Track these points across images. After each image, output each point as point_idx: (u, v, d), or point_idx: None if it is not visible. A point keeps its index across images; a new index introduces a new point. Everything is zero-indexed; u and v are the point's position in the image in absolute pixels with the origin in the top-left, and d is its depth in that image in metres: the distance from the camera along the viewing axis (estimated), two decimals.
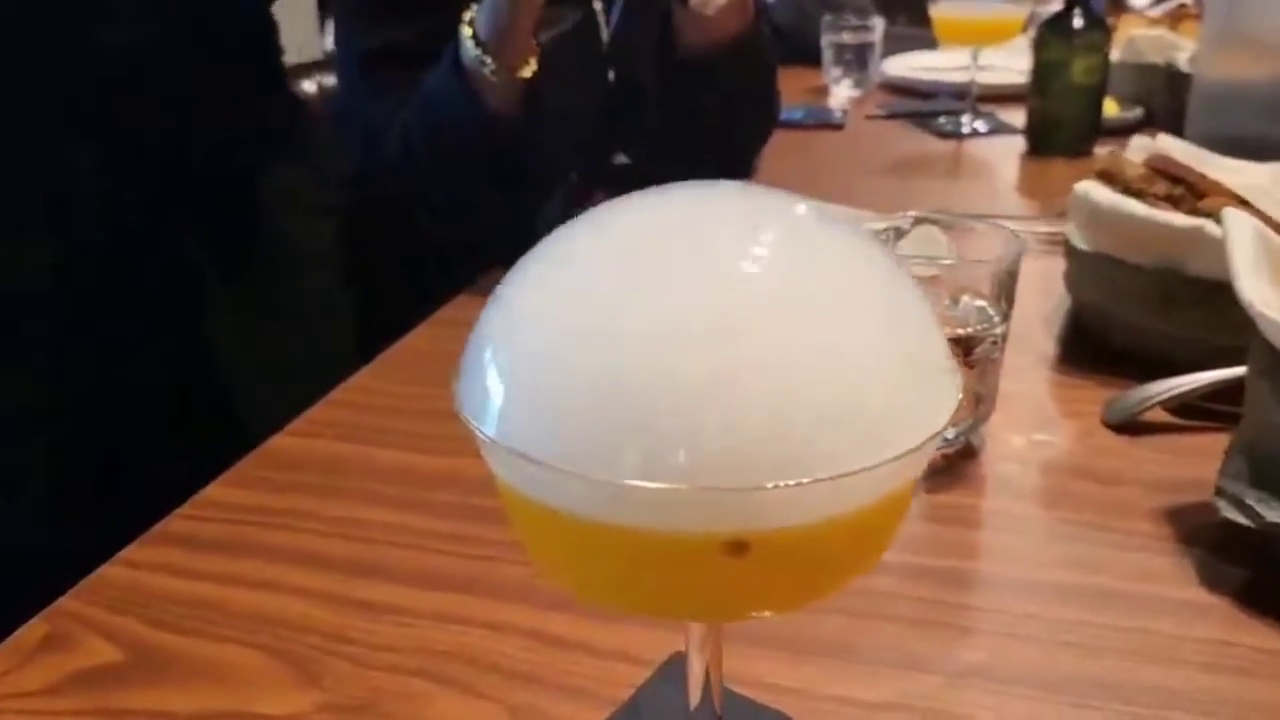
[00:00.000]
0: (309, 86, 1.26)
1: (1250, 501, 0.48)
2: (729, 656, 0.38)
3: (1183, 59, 1.28)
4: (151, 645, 0.46)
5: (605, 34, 1.04)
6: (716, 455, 0.25)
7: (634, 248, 0.28)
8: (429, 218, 0.94)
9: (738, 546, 0.26)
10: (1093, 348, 0.71)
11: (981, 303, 0.59)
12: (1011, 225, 0.94)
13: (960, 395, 0.28)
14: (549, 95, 0.88)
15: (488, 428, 0.27)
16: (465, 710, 0.42)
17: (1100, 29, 1.25)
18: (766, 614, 0.36)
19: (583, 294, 0.27)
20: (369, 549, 0.52)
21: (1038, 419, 0.64)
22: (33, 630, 0.47)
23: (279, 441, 0.62)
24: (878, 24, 1.55)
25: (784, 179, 1.13)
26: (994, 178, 1.22)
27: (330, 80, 1.23)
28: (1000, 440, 0.61)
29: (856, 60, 1.54)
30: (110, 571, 0.51)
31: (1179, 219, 0.66)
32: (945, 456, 0.58)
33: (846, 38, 1.53)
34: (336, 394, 0.68)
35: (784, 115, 1.28)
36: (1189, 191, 0.71)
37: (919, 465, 0.27)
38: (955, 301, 0.61)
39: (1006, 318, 0.58)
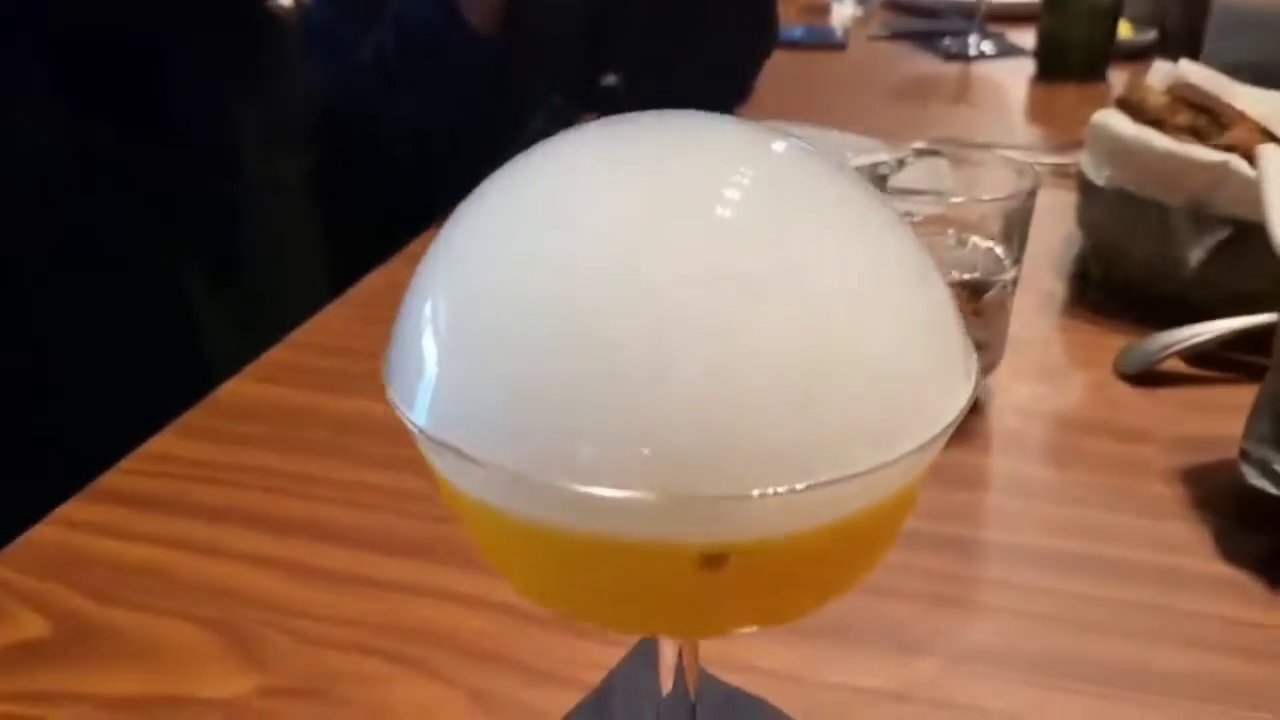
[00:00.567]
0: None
1: (1278, 467, 0.44)
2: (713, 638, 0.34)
3: None
4: (83, 618, 0.43)
5: None
6: (689, 456, 0.20)
7: (602, 200, 0.23)
8: (404, 143, 0.89)
9: (714, 559, 0.22)
10: (1105, 290, 0.67)
11: (990, 244, 0.55)
12: (1020, 156, 0.89)
13: (976, 379, 0.24)
14: (530, 12, 0.83)
15: (418, 415, 0.23)
16: (422, 695, 0.39)
17: None
18: (749, 630, 0.32)
19: (535, 257, 0.22)
20: (325, 509, 0.49)
21: (1047, 369, 0.60)
22: None
23: (232, 388, 0.58)
24: None
25: (782, 102, 1.08)
26: (1002, 103, 1.17)
27: None
28: (1007, 392, 0.57)
29: None
30: (42, 533, 0.47)
31: (1204, 153, 0.61)
32: None
33: None
34: (296, 335, 0.63)
35: (783, 34, 1.22)
36: (1213, 123, 0.66)
37: (927, 461, 0.23)
38: (961, 242, 0.56)
39: (1017, 261, 0.54)
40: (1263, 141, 0.62)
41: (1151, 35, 1.27)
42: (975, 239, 0.55)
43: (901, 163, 0.61)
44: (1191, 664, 0.40)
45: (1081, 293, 0.68)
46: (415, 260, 0.73)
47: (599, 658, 0.40)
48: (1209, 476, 0.49)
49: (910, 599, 0.43)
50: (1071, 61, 1.20)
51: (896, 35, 1.40)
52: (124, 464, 0.52)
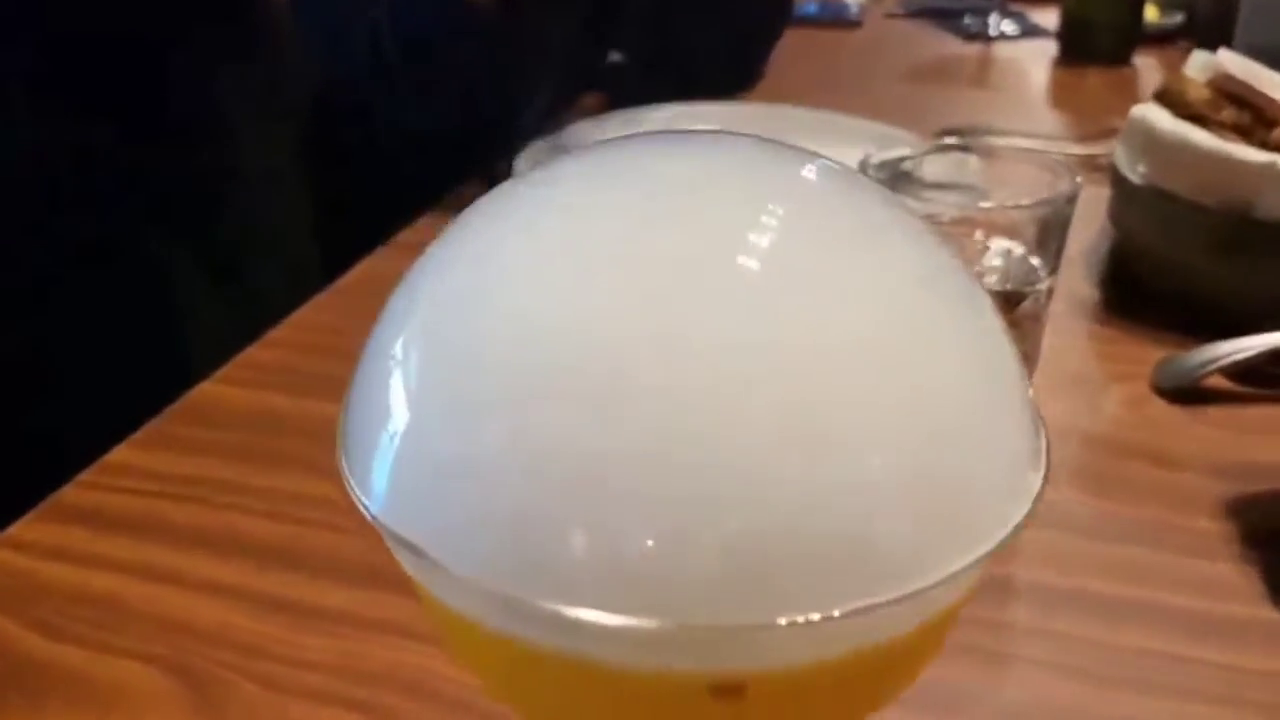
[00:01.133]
0: None
1: None
2: None
3: None
4: (31, 657, 0.39)
5: None
6: (702, 579, 0.16)
7: (597, 250, 0.19)
8: (399, 125, 0.84)
9: (729, 690, 0.18)
10: (1140, 295, 0.63)
11: (1021, 249, 0.51)
12: (1045, 146, 0.85)
13: (1045, 471, 0.20)
14: None
15: (375, 501, 0.19)
16: None
17: None
18: None
19: (523, 332, 0.18)
20: (300, 533, 0.45)
21: (1079, 382, 0.56)
22: None
23: (206, 390, 0.54)
24: None
25: (793, 83, 1.03)
26: (1024, 87, 1.12)
27: None
28: (1040, 407, 0.53)
29: None
30: None
31: (1249, 153, 0.57)
32: None
33: None
34: (276, 331, 0.59)
35: (796, 10, 1.17)
36: (1257, 119, 0.62)
37: (982, 573, 0.19)
38: (990, 247, 0.52)
39: (1054, 270, 0.50)
40: None
41: (1179, 18, 1.22)
42: (1008, 244, 0.51)
43: (924, 158, 0.56)
44: None
45: (1114, 297, 0.64)
46: (405, 250, 0.68)
47: None
48: (1260, 510, 0.45)
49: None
50: (1096, 43, 1.15)
51: (914, 13, 1.35)
52: (83, 476, 0.48)
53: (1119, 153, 0.65)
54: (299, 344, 0.59)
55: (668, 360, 0.17)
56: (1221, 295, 0.58)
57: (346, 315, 0.61)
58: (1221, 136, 0.59)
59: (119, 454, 0.49)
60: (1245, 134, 0.61)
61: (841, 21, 1.31)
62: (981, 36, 1.25)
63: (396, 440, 0.19)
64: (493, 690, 0.22)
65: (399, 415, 0.19)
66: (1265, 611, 0.41)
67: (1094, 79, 1.10)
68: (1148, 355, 0.57)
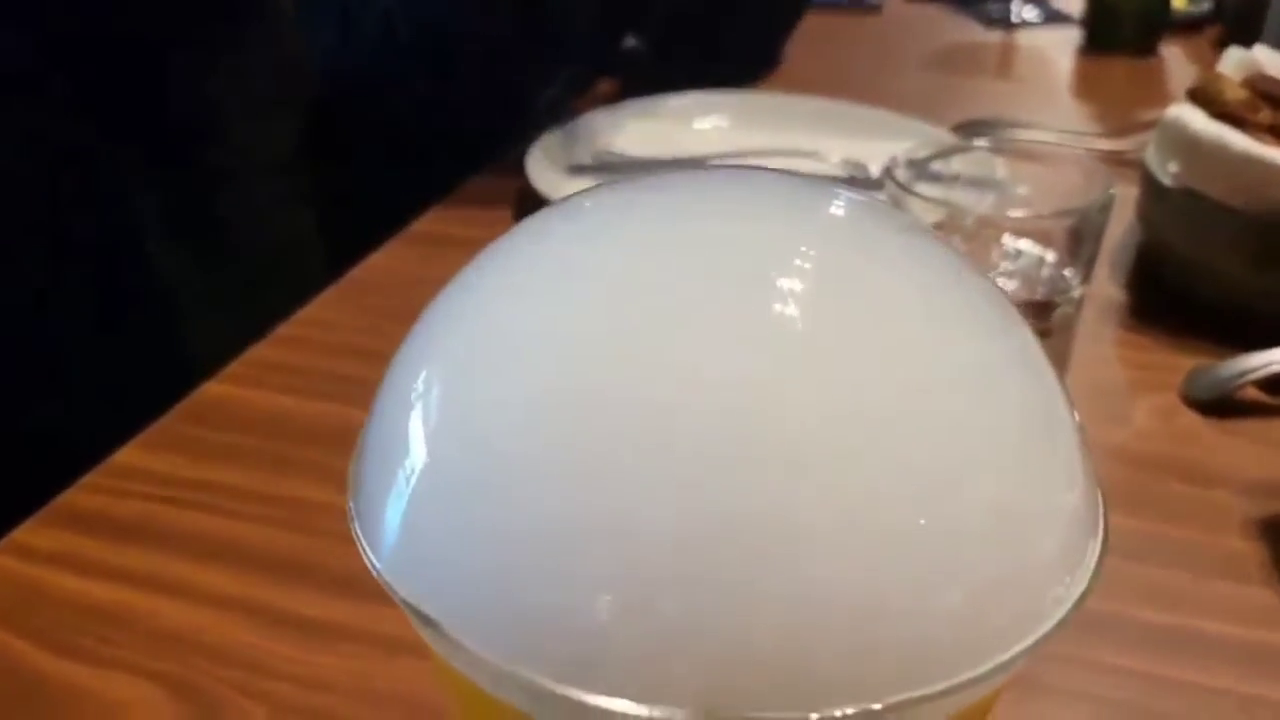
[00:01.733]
0: None
1: None
2: None
3: None
4: (35, 672, 0.38)
5: None
6: (732, 670, 0.15)
7: (626, 313, 0.18)
8: (413, 113, 0.83)
9: None
10: (1170, 299, 0.61)
11: (1054, 257, 0.49)
12: (1069, 141, 0.83)
13: (1104, 534, 0.19)
14: None
15: (381, 556, 0.18)
16: None
17: None
18: None
19: (548, 392, 0.17)
20: (310, 542, 0.44)
21: (1107, 392, 0.55)
22: None
23: (212, 390, 0.53)
24: None
25: (811, 71, 1.01)
26: (1047, 77, 1.10)
27: None
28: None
29: None
30: None
31: None
32: None
33: None
34: (285, 329, 0.58)
35: None
36: None
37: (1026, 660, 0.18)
38: (1016, 253, 0.50)
39: (1086, 279, 0.48)
40: None
41: (1207, 6, 1.20)
42: (1038, 251, 0.49)
43: (948, 156, 0.55)
44: None
45: (1142, 300, 0.63)
46: (414, 243, 0.66)
47: None
48: None
49: None
50: (1122, 32, 1.12)
51: None
52: (88, 479, 0.47)
53: (1150, 152, 0.63)
54: (307, 341, 0.58)
55: (700, 440, 0.16)
56: (1256, 303, 0.57)
57: (354, 312, 0.60)
58: (1258, 139, 0.58)
59: (125, 455, 0.48)
60: None
61: (861, 6, 1.29)
62: (1004, 23, 1.22)
63: (410, 499, 0.18)
64: None
65: (413, 472, 0.18)
66: None
67: (1119, 69, 1.08)
68: (1178, 363, 0.55)
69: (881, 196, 0.51)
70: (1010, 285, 0.48)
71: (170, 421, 0.51)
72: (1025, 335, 0.20)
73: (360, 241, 0.67)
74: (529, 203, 0.69)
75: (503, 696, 0.17)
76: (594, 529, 0.16)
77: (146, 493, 0.46)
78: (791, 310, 0.18)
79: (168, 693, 0.37)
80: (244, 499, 0.46)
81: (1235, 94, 0.61)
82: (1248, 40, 0.70)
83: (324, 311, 0.61)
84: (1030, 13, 1.24)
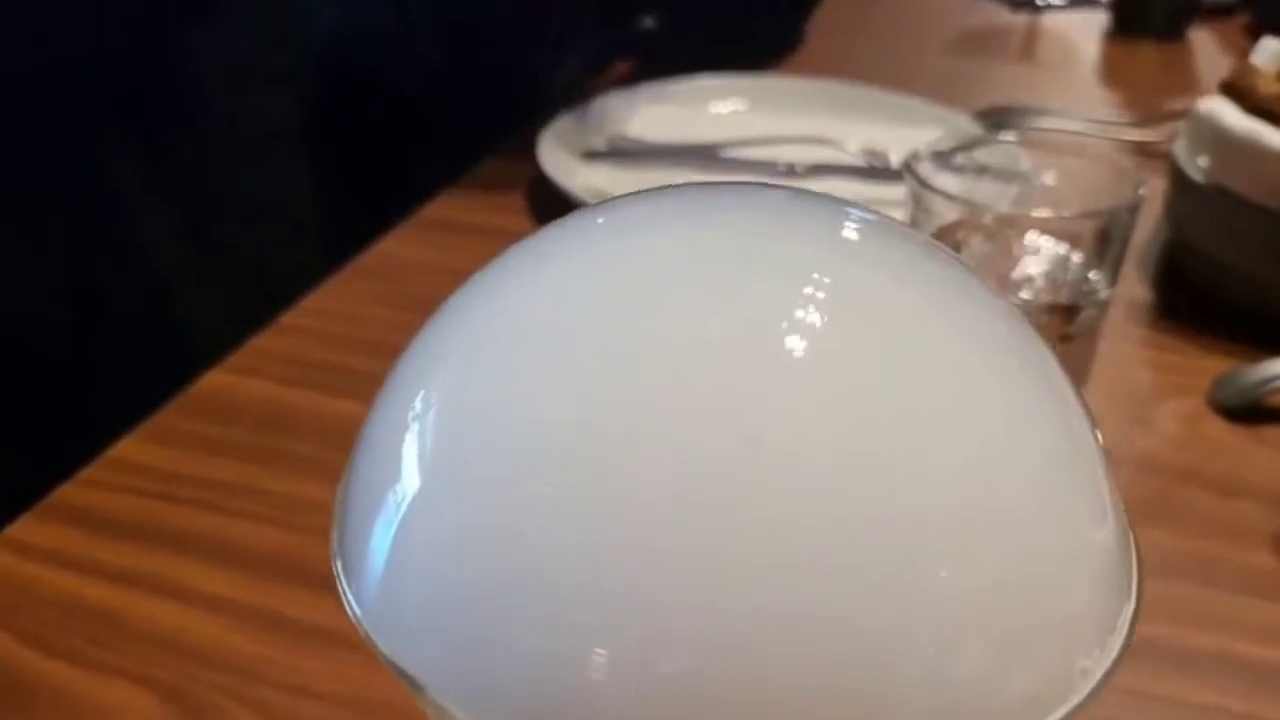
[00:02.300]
0: None
1: None
2: None
3: None
4: (20, 672, 0.37)
5: None
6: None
7: (626, 354, 0.16)
8: (422, 89, 0.81)
9: None
10: (1198, 299, 0.59)
11: (1079, 258, 0.47)
12: (1095, 130, 0.81)
13: (1137, 597, 0.17)
14: None
15: (363, 603, 0.17)
16: None
17: None
18: None
19: (541, 439, 0.16)
20: (307, 543, 0.43)
21: (1131, 395, 0.53)
22: None
23: (213, 380, 0.52)
24: None
25: (833, 53, 0.99)
26: (1073, 62, 1.07)
27: None
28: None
29: None
30: None
31: None
32: None
33: None
34: (288, 317, 0.57)
35: None
36: None
37: None
38: (1039, 251, 0.49)
39: (1113, 282, 0.46)
40: None
41: None
42: (1063, 251, 0.48)
43: (971, 149, 0.53)
44: None
45: (1169, 300, 0.61)
46: (424, 228, 0.65)
47: None
48: None
49: None
50: (1151, 16, 1.10)
51: None
52: (85, 473, 0.46)
53: (1179, 146, 0.61)
54: (312, 331, 0.56)
55: (702, 497, 0.15)
56: None
57: (363, 300, 0.59)
58: None
59: (123, 448, 0.47)
60: None
61: None
62: (1029, 5, 1.20)
63: (397, 541, 0.17)
64: None
65: (401, 514, 0.17)
66: None
67: (1147, 55, 1.06)
68: (1205, 367, 0.54)
69: (901, 190, 0.50)
70: (1033, 286, 0.47)
71: (169, 414, 0.50)
72: (1053, 365, 0.19)
73: (361, 219, 0.66)
74: (541, 188, 0.67)
75: None
76: (590, 590, 0.15)
77: (143, 488, 0.45)
78: (805, 348, 0.16)
79: (158, 698, 0.36)
80: (241, 495, 0.45)
81: (1270, 88, 0.59)
82: (1277, 27, 0.68)
83: (329, 300, 0.59)
84: None
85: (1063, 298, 0.46)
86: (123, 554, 0.42)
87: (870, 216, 0.20)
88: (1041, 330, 0.46)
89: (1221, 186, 0.58)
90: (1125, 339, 0.58)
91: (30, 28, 0.57)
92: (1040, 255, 0.48)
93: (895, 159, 0.70)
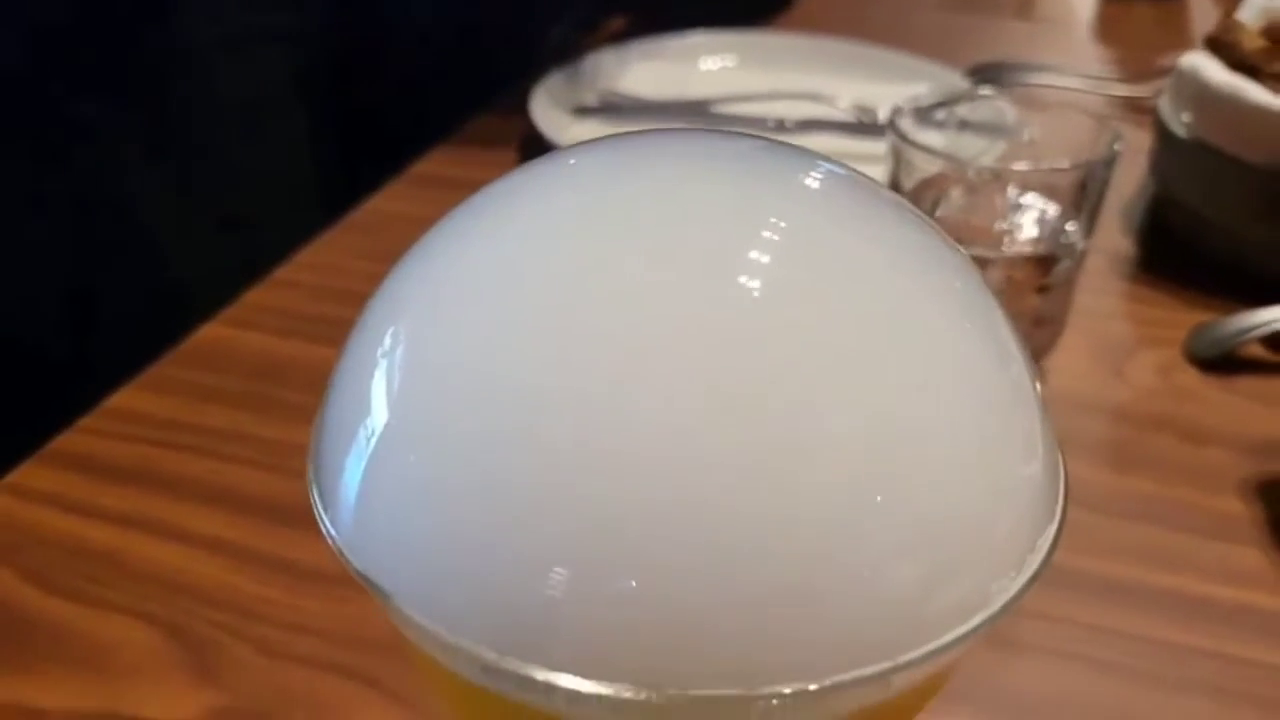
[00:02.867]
0: None
1: None
2: None
3: None
4: (25, 610, 0.39)
5: None
6: (685, 648, 0.15)
7: (587, 288, 0.17)
8: (414, 47, 0.81)
9: None
10: (1180, 254, 0.60)
11: (1055, 209, 0.48)
12: (1087, 86, 0.81)
13: (1061, 515, 0.19)
14: None
15: (341, 525, 0.18)
16: None
17: None
18: None
19: (511, 377, 0.17)
20: (301, 487, 0.44)
21: (1108, 347, 0.54)
22: None
23: (209, 333, 0.53)
24: None
25: (826, 8, 0.99)
26: (1067, 18, 1.07)
27: None
28: (1063, 374, 0.51)
29: None
30: None
31: None
32: None
33: None
34: (282, 271, 0.58)
35: None
36: None
37: (982, 638, 0.18)
38: (1019, 205, 0.50)
39: (1089, 234, 0.47)
40: None
41: None
42: (1043, 203, 0.48)
43: (956, 103, 0.54)
44: None
45: (1152, 254, 0.62)
46: (415, 184, 0.66)
47: None
48: None
49: None
50: None
51: None
52: (84, 422, 0.47)
53: (1164, 102, 0.62)
54: (304, 285, 0.57)
55: (653, 421, 0.16)
56: (1265, 259, 0.56)
57: (353, 254, 0.60)
58: (1274, 91, 0.56)
59: (121, 398, 0.48)
60: None
61: None
62: None
63: (369, 468, 0.18)
64: None
65: (373, 441, 0.18)
66: None
67: (1143, 11, 1.06)
68: (1182, 319, 0.55)
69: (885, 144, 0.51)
70: (1011, 239, 0.47)
71: (166, 365, 0.51)
72: (994, 307, 0.20)
73: (358, 177, 0.67)
74: (533, 145, 0.68)
75: (456, 669, 0.17)
76: (546, 506, 0.16)
77: (142, 436, 0.46)
78: (753, 281, 0.17)
79: (157, 633, 0.38)
80: (237, 442, 0.46)
81: (1253, 43, 0.59)
82: None
83: (321, 255, 0.60)
84: None
85: (1040, 249, 0.47)
86: (122, 498, 0.43)
87: (830, 166, 0.21)
88: (1020, 281, 0.47)
89: (1203, 141, 0.58)
90: (1106, 292, 0.59)
91: None
92: (1019, 208, 0.49)
93: (884, 115, 0.70)
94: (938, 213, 0.48)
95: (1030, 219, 0.48)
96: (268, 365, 0.51)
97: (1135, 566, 0.41)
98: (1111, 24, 1.05)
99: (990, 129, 0.55)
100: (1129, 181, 0.67)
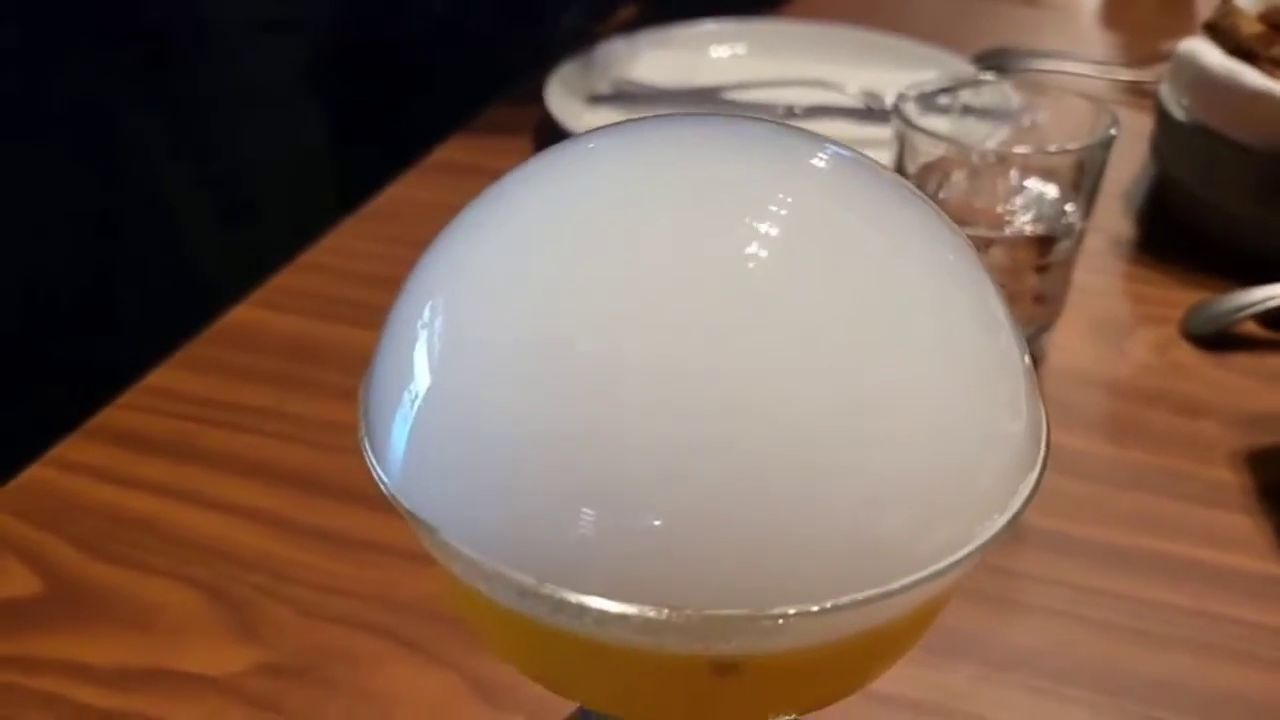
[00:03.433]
0: None
1: None
2: None
3: None
4: (75, 575, 0.41)
5: None
6: (697, 571, 0.17)
7: (618, 247, 0.19)
8: (429, 35, 0.83)
9: (726, 667, 0.19)
10: (1180, 236, 0.62)
11: (1055, 191, 0.50)
12: (1091, 71, 0.83)
13: (1043, 459, 0.20)
14: None
15: (391, 473, 0.20)
16: (418, 680, 0.37)
17: None
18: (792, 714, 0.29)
19: (540, 316, 0.19)
20: (332, 459, 0.46)
21: (1107, 324, 0.56)
22: None
23: (241, 314, 0.55)
24: None
25: (834, 0, 1.01)
26: (1072, 4, 1.08)
27: None
28: (1063, 350, 0.53)
29: None
30: (39, 474, 0.45)
31: None
32: None
33: None
34: (309, 256, 0.60)
35: None
36: None
37: (973, 566, 0.20)
38: (1021, 188, 0.51)
39: (1087, 215, 0.49)
40: None
41: None
42: (1039, 185, 0.50)
43: (959, 89, 0.55)
44: (1243, 684, 0.37)
45: (1153, 236, 0.63)
46: (434, 173, 0.68)
47: None
48: (1276, 463, 0.46)
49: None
50: None
51: None
52: (124, 399, 0.49)
53: (1164, 87, 0.64)
54: (329, 269, 0.59)
55: (668, 365, 0.18)
56: (1262, 240, 0.57)
57: (376, 240, 0.62)
58: (1271, 74, 0.58)
59: (157, 377, 0.51)
60: None
61: None
62: None
63: (415, 420, 0.20)
64: (501, 654, 0.23)
65: (418, 396, 0.20)
66: (1277, 567, 0.41)
67: None
68: (1180, 299, 0.56)
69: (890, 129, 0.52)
70: (1012, 220, 0.49)
71: (199, 345, 0.53)
72: (986, 280, 0.22)
73: (374, 165, 0.69)
74: (548, 132, 0.70)
75: (496, 597, 0.19)
76: (574, 444, 0.18)
77: (179, 412, 0.49)
78: (762, 249, 0.19)
79: (198, 595, 0.40)
80: (269, 418, 0.48)
81: (1251, 28, 0.61)
82: None
83: (344, 240, 0.62)
84: None
85: (1040, 230, 0.48)
86: (161, 470, 0.45)
87: (835, 147, 0.23)
88: (1021, 261, 0.49)
89: (1202, 124, 0.60)
90: (1108, 272, 0.60)
91: None
92: (1020, 191, 0.51)
93: (891, 101, 0.72)
94: (941, 195, 0.50)
95: (1030, 201, 0.50)
96: (298, 346, 0.53)
97: (1129, 532, 0.43)
98: (1117, 10, 1.06)
99: (994, 114, 0.56)
100: (1132, 165, 0.69)
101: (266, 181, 0.70)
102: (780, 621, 0.17)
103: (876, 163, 0.23)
